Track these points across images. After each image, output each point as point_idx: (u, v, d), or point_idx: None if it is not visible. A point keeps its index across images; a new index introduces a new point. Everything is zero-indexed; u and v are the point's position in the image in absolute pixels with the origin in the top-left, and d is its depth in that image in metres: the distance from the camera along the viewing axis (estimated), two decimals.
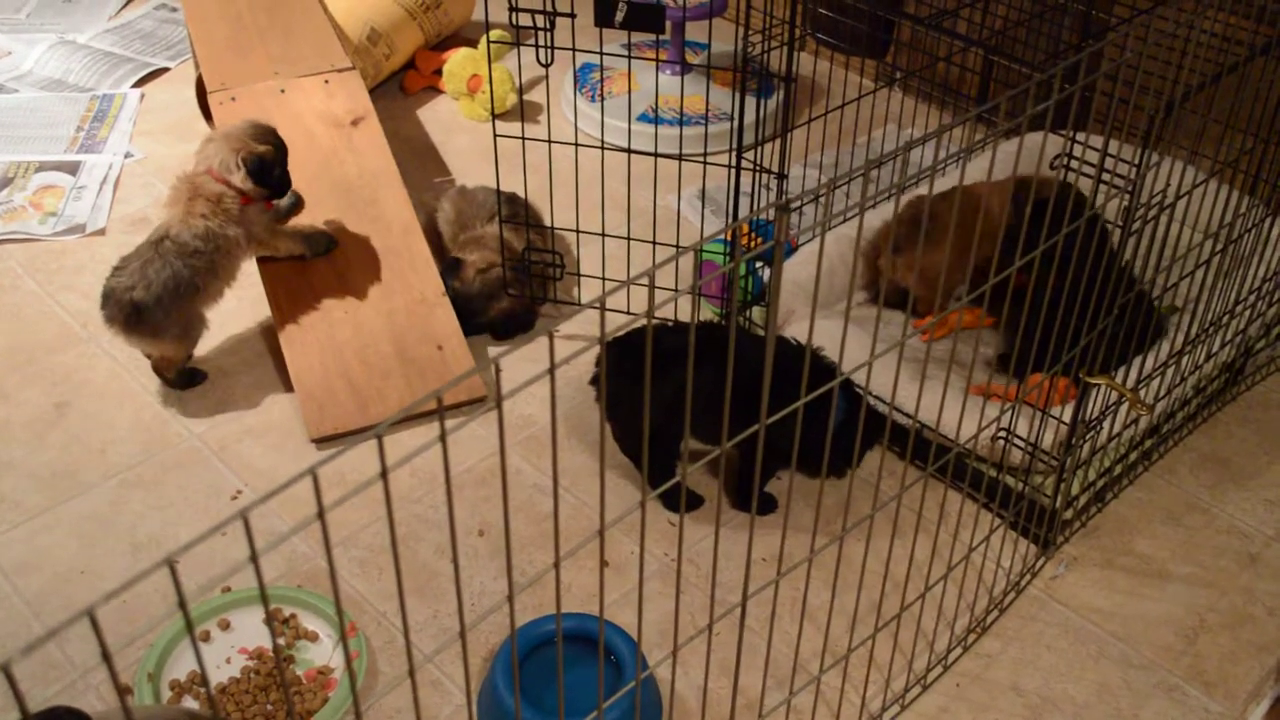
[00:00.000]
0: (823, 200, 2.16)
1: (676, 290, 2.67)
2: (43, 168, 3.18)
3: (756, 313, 2.62)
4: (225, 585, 2.09)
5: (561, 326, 2.70)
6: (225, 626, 2.02)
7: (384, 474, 0.85)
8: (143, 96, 3.51)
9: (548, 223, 2.83)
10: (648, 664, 1.90)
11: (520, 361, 2.57)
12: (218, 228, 2.39)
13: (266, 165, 2.44)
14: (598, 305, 0.93)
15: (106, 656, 0.73)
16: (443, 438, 0.87)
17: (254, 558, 0.79)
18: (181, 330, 2.42)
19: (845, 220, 2.78)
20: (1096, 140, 1.97)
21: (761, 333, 2.54)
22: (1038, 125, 2.76)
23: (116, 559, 2.16)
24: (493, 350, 2.62)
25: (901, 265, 2.55)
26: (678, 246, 2.64)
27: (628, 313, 2.62)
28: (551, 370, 0.94)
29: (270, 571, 2.12)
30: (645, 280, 0.95)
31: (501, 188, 2.63)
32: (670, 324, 2.34)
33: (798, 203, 1.21)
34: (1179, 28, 1.75)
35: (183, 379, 2.50)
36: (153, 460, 2.35)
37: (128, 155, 3.25)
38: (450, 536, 1.08)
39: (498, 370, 0.89)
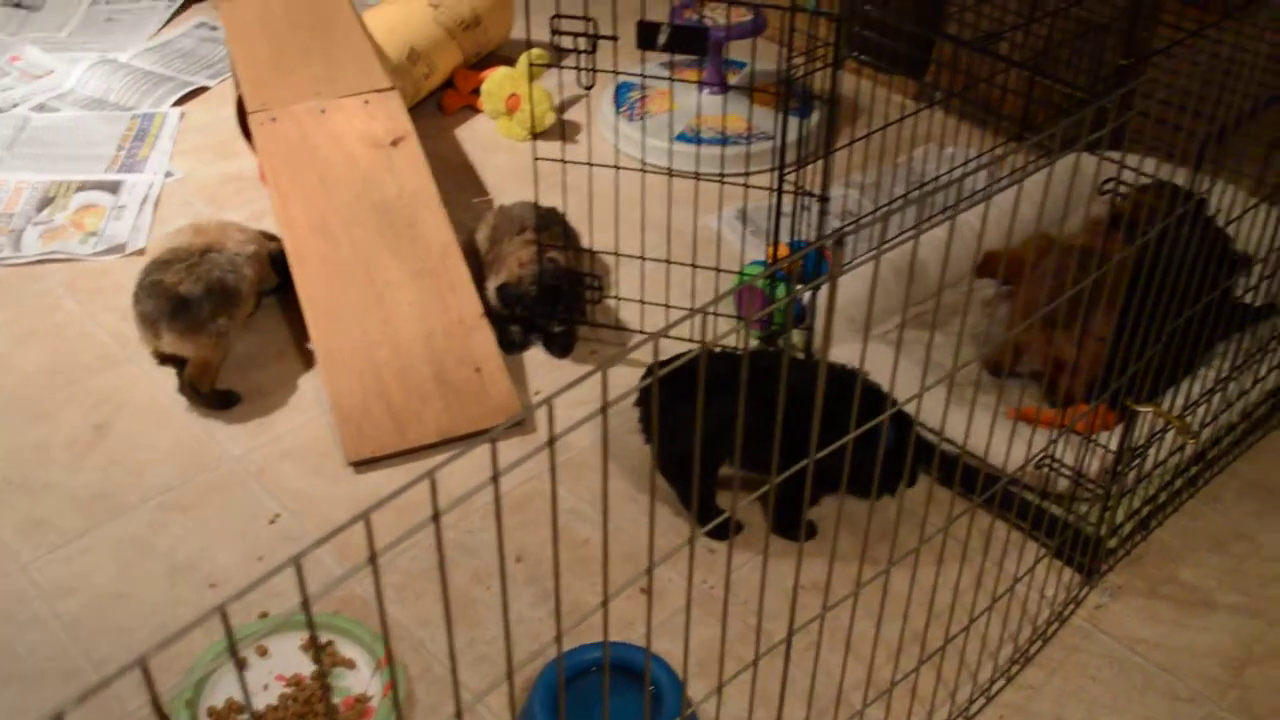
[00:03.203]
0: (869, 227, 2.11)
1: (728, 316, 2.65)
2: (84, 187, 3.20)
3: (795, 337, 2.60)
4: (263, 611, 2.09)
5: (608, 353, 2.68)
6: (263, 653, 2.01)
7: (435, 517, 0.84)
8: (183, 115, 3.53)
9: (586, 244, 2.82)
10: (691, 701, 1.88)
11: (562, 385, 2.56)
12: (253, 252, 2.57)
13: (285, 262, 2.62)
14: (659, 334, 0.92)
15: (157, 706, 0.72)
16: (495, 479, 0.86)
17: (305, 604, 0.78)
18: (215, 334, 2.45)
19: (894, 247, 2.73)
20: (1134, 160, 1.94)
21: (800, 357, 2.52)
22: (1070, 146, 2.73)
23: (154, 582, 2.15)
24: (533, 380, 2.60)
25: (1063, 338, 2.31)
26: (717, 269, 2.62)
27: (682, 339, 2.60)
28: (604, 409, 0.93)
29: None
30: (708, 309, 0.94)
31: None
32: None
33: (851, 231, 1.20)
34: (1232, 49, 1.72)
35: (217, 399, 2.50)
36: (191, 483, 2.35)
37: (168, 174, 3.26)
38: (500, 581, 1.07)
39: (550, 410, 0.88)
